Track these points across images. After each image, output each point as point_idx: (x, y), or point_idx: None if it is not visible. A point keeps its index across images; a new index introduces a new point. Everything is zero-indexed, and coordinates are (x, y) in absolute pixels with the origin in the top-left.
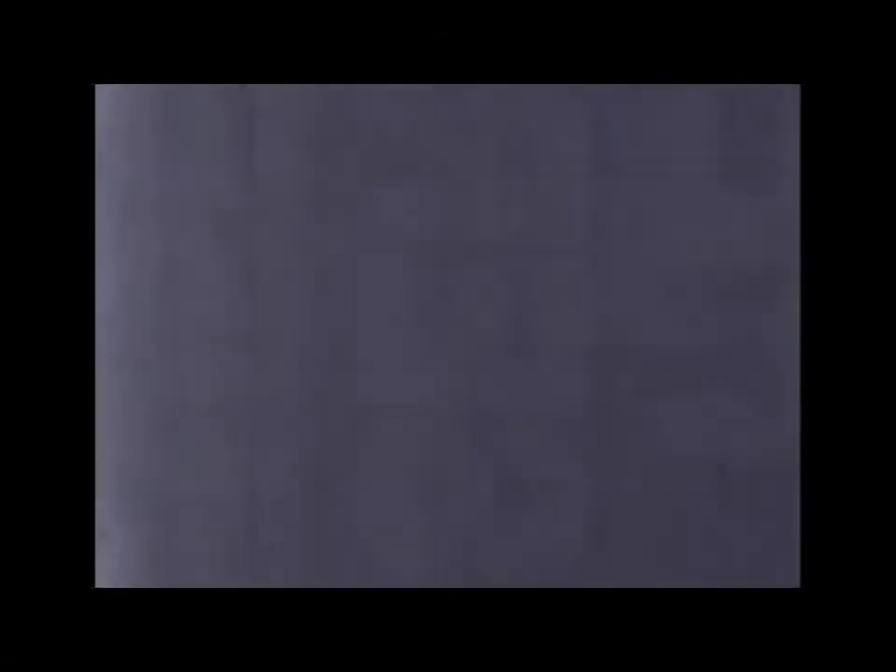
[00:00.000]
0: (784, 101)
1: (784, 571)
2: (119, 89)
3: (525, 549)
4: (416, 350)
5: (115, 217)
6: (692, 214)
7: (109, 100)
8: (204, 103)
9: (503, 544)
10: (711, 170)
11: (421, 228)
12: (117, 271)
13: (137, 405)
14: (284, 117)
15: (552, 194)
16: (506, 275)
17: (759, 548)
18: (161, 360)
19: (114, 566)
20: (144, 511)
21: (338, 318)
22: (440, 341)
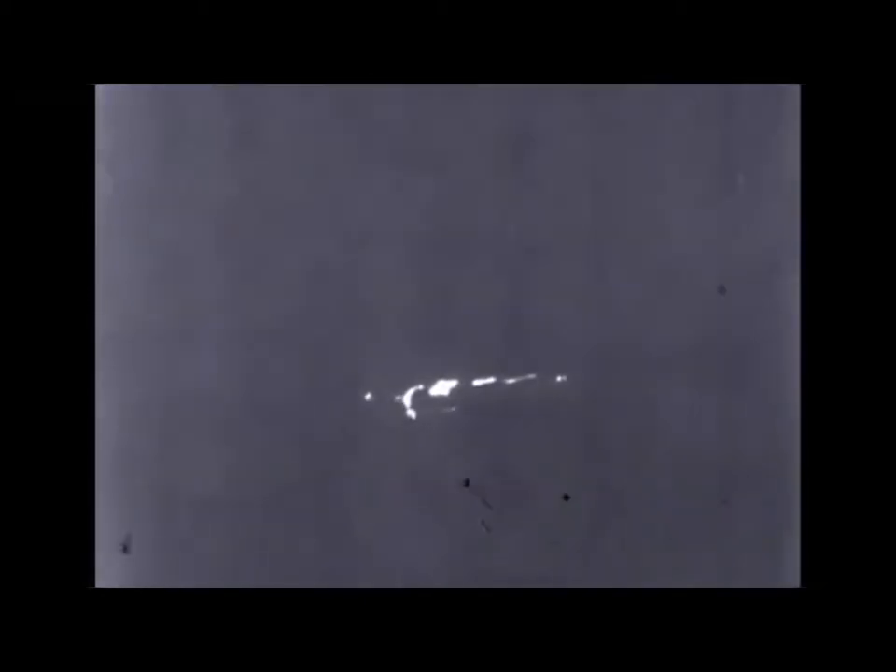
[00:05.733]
0: (784, 101)
1: (784, 571)
2: (119, 89)
3: (525, 548)
4: (416, 347)
5: (115, 215)
6: (692, 213)
7: (109, 100)
8: (204, 103)
9: (503, 543)
10: (712, 169)
11: (422, 226)
12: (117, 269)
13: (137, 404)
14: (284, 117)
15: (552, 192)
16: (506, 273)
17: (759, 548)
18: (162, 359)
19: (114, 565)
20: (144, 511)
21: (338, 316)
22: (440, 338)
